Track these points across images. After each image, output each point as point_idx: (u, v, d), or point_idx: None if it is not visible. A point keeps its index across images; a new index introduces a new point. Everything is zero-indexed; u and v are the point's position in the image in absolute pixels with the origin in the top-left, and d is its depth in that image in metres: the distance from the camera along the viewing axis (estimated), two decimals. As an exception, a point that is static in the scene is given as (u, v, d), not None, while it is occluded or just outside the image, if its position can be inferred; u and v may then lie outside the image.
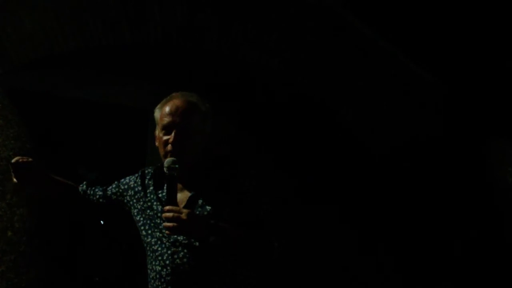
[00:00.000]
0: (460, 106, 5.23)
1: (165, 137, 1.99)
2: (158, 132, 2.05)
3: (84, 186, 2.27)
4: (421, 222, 5.04)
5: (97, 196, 2.24)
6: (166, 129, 1.99)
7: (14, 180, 2.13)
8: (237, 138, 5.34)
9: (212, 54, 4.66)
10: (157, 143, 2.05)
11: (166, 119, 2.00)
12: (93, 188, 2.26)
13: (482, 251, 4.79)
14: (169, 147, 1.97)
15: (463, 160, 5.10)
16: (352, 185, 5.31)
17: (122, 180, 2.22)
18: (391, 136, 5.16)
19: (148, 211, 2.05)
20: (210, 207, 1.94)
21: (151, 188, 2.09)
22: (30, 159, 2.12)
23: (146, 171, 2.16)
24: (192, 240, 1.91)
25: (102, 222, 5.10)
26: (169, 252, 1.95)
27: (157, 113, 2.06)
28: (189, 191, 2.00)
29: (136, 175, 2.18)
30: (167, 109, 2.01)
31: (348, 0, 5.18)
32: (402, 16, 5.55)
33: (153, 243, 2.00)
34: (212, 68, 4.88)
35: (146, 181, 2.12)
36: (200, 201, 1.96)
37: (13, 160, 2.11)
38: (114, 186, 2.23)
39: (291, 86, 5.00)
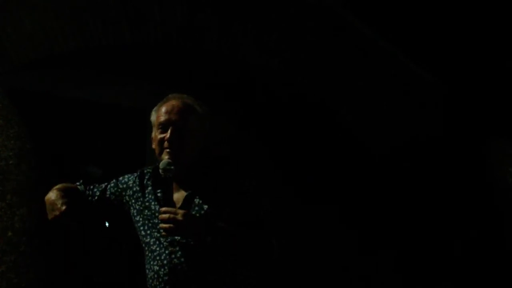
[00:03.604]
0: (460, 106, 5.22)
1: (161, 135, 2.00)
2: (154, 132, 2.05)
3: (82, 186, 2.26)
4: (421, 222, 5.03)
5: (96, 197, 2.22)
6: (163, 127, 2.00)
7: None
8: (237, 138, 5.33)
9: (212, 54, 4.66)
10: (153, 145, 2.06)
11: (163, 118, 2.01)
12: (91, 187, 2.25)
13: (482, 251, 4.79)
14: (165, 144, 1.98)
15: (463, 160, 5.09)
16: (352, 185, 5.30)
17: (121, 179, 2.21)
18: (391, 136, 5.16)
19: (146, 211, 2.05)
20: (207, 206, 1.94)
21: (150, 188, 2.09)
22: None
23: (145, 171, 2.16)
24: (190, 240, 1.92)
25: (107, 224, 5.08)
26: (167, 252, 1.95)
27: (153, 116, 2.08)
28: (186, 190, 2.00)
29: (135, 174, 2.18)
30: (163, 108, 2.03)
31: (348, 0, 5.18)
32: (402, 16, 5.54)
33: (151, 243, 2.01)
34: (212, 68, 4.88)
35: (145, 181, 2.12)
36: (196, 201, 1.96)
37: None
38: (112, 185, 2.21)
39: (291, 86, 5.00)
